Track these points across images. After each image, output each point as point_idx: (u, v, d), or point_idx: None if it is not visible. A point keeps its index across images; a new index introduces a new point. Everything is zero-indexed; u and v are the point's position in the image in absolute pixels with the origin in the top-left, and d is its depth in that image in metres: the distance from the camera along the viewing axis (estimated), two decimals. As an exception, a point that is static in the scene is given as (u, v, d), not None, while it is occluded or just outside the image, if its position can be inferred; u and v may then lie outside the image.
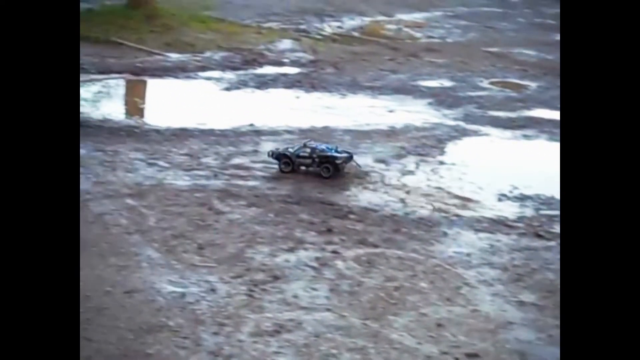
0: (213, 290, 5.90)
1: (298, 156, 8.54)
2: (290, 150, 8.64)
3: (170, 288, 5.89)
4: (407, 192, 8.18)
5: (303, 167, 8.56)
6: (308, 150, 8.59)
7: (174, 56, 14.46)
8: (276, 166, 8.58)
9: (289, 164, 8.53)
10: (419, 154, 9.40)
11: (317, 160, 8.52)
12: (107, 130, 9.91)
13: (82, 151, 8.81)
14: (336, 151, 8.67)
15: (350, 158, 8.69)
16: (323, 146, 8.72)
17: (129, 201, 7.49)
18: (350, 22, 19.02)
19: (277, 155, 8.61)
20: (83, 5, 17.70)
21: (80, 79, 12.60)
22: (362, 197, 8.04)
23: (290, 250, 6.66)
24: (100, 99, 12.20)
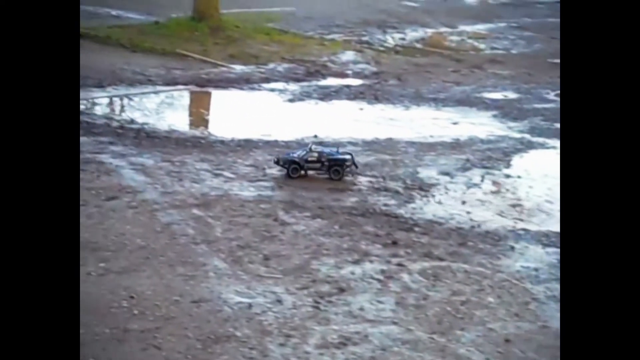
0: (279, 301, 5.92)
1: (307, 161, 8.67)
2: (297, 155, 8.74)
3: (237, 298, 5.93)
4: (473, 205, 8.12)
5: (311, 172, 8.72)
6: (315, 154, 8.70)
7: (238, 68, 14.60)
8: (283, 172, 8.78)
9: (297, 169, 8.63)
10: (484, 167, 9.32)
11: (326, 163, 8.67)
12: (174, 141, 10.05)
13: (149, 162, 9.00)
14: (338, 153, 8.87)
15: (352, 160, 8.87)
16: (328, 149, 8.92)
17: (196, 211, 7.57)
18: (413, 34, 18.98)
19: (286, 161, 8.68)
20: (149, 18, 18.10)
21: (147, 90, 12.88)
22: (427, 209, 7.99)
23: (356, 262, 6.65)
24: (166, 110, 12.39)
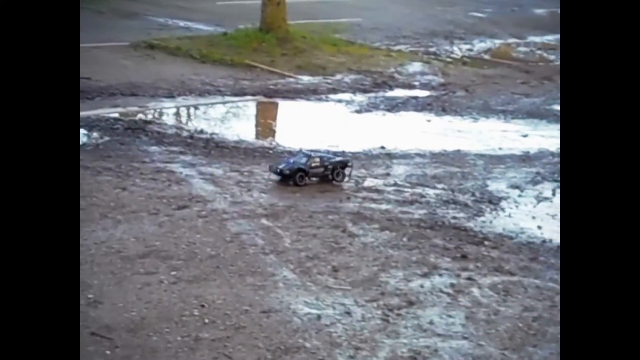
0: (348, 313, 5.91)
1: (311, 167, 8.68)
2: (303, 162, 8.66)
3: (306, 309, 5.94)
4: (544, 220, 8.00)
5: (314, 178, 8.74)
6: (317, 159, 8.72)
7: (305, 78, 14.69)
8: (278, 180, 8.80)
9: (303, 176, 8.62)
10: (555, 180, 9.17)
11: (330, 168, 8.74)
12: (242, 151, 10.14)
13: (219, 171, 9.10)
14: (336, 156, 9.08)
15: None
16: (324, 154, 8.99)
17: (265, 222, 7.62)
18: (481, 45, 18.84)
19: (291, 170, 8.58)
20: (218, 30, 18.35)
21: (215, 100, 13.04)
22: (497, 223, 7.90)
23: (425, 275, 6.61)
24: (235, 121, 12.53)
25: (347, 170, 8.89)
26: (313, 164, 8.68)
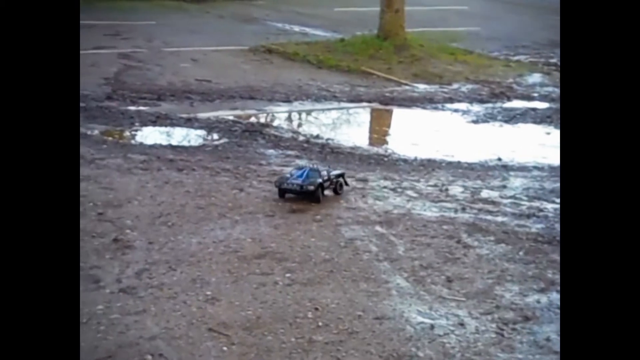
0: (462, 324, 5.85)
1: (324, 181, 8.32)
2: (324, 175, 8.27)
3: (419, 318, 5.91)
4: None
5: (326, 192, 8.41)
6: (325, 173, 8.34)
7: (422, 87, 14.64)
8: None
9: (323, 192, 8.30)
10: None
11: (334, 180, 8.46)
12: (358, 157, 10.21)
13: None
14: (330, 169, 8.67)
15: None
16: (323, 167, 8.59)
17: (379, 228, 7.63)
18: (604, 57, 18.29)
19: (315, 185, 8.11)
20: (335, 36, 18.51)
21: (331, 106, 13.15)
22: (618, 241, 7.65)
23: (542, 291, 6.47)
24: (350, 127, 12.62)
25: (343, 180, 8.61)
26: (325, 178, 8.32)
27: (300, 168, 8.45)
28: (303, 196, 8.18)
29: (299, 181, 8.13)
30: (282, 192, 8.25)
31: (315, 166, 8.57)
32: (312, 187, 8.09)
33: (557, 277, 6.73)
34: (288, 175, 8.31)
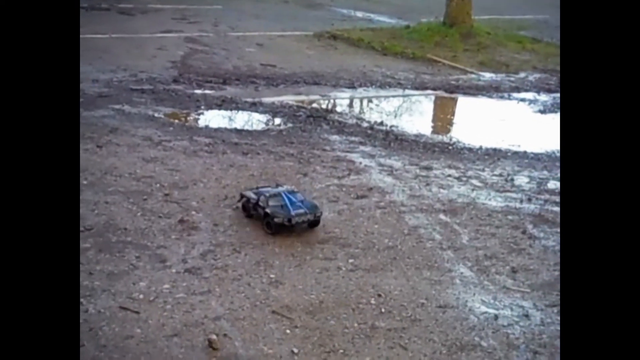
0: (526, 316, 5.79)
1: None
2: (296, 200, 7.03)
3: (483, 308, 5.87)
4: None
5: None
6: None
7: (488, 75, 14.46)
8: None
9: None
10: None
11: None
12: (422, 145, 10.14)
13: (398, 164, 9.14)
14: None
15: None
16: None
17: (442, 217, 7.58)
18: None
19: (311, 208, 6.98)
20: (400, 22, 18.40)
21: (396, 93, 13.09)
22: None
23: (609, 284, 6.35)
24: (414, 114, 12.54)
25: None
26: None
27: (273, 193, 7.06)
28: (293, 227, 6.88)
29: (294, 210, 6.88)
30: (284, 227, 6.88)
31: (270, 190, 7.20)
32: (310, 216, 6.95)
33: (625, 271, 6.61)
34: (279, 204, 6.93)
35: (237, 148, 9.28)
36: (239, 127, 10.57)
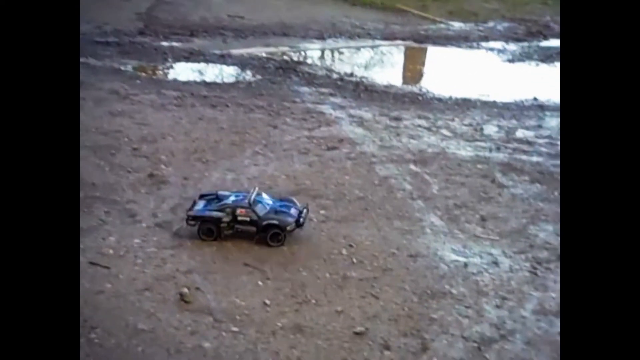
0: (495, 263, 5.86)
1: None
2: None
3: (453, 256, 5.93)
4: None
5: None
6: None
7: (457, 25, 14.37)
8: None
9: None
10: None
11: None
12: (392, 95, 10.10)
13: (368, 115, 9.11)
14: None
15: None
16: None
17: (413, 167, 7.60)
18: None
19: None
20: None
21: (365, 44, 12.99)
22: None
23: (576, 231, 6.43)
24: (384, 65, 12.48)
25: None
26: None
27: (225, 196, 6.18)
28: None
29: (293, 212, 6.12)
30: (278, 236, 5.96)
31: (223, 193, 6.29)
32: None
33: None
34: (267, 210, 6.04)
35: (206, 101, 9.20)
36: (207, 79, 10.46)
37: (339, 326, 4.84)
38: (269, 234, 5.86)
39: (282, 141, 8.04)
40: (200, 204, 6.08)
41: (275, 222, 5.88)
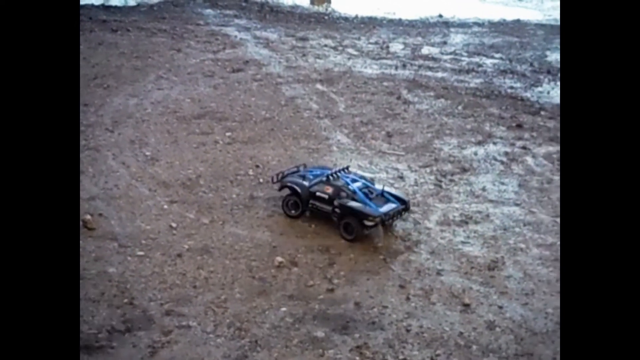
0: (401, 177, 5.94)
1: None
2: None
3: (360, 173, 5.96)
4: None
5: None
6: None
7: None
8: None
9: None
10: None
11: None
12: (297, 16, 10.01)
13: (274, 36, 9.01)
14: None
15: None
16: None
17: (319, 86, 7.58)
18: None
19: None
20: None
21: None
22: (555, 93, 7.75)
23: (479, 143, 6.57)
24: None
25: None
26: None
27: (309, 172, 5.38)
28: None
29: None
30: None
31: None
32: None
33: (494, 130, 6.83)
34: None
35: (105, 25, 8.92)
36: (106, 3, 10.12)
37: (246, 246, 4.85)
38: None
39: (186, 64, 7.89)
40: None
41: None
